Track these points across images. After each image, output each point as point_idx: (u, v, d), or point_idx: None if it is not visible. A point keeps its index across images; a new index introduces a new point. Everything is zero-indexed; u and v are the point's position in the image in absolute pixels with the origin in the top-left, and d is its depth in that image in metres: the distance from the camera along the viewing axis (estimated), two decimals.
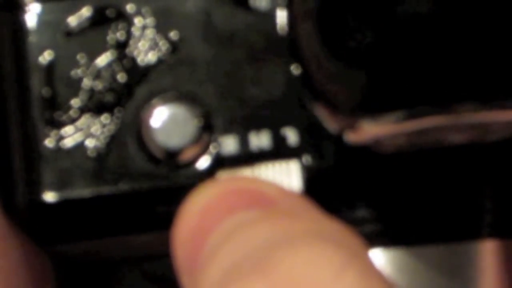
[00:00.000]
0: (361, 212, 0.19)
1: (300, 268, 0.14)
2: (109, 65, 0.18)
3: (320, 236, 0.14)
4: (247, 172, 0.17)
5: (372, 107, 0.16)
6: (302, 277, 0.13)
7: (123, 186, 0.17)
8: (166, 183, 0.17)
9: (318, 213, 0.15)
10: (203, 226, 0.15)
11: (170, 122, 0.17)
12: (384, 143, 0.17)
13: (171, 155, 0.17)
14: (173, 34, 0.18)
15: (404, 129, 0.16)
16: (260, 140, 0.17)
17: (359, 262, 0.14)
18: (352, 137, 0.17)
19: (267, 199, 0.15)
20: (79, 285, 0.27)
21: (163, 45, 0.18)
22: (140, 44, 0.18)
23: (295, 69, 0.18)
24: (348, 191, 0.18)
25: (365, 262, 0.14)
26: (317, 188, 0.18)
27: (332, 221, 0.15)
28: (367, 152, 0.18)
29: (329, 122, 0.17)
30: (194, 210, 0.15)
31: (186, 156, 0.17)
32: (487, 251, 0.22)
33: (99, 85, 0.18)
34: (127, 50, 0.18)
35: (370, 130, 0.16)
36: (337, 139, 0.18)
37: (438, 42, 0.15)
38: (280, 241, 0.14)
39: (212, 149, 0.17)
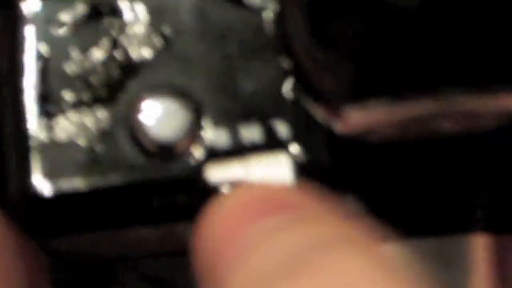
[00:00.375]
0: (352, 205, 0.19)
1: (337, 273, 0.14)
2: (103, 60, 0.18)
3: (350, 241, 0.15)
4: (238, 164, 0.17)
5: (360, 94, 0.16)
6: (340, 282, 0.14)
7: (116, 179, 0.18)
8: (159, 176, 0.18)
9: (341, 216, 0.16)
10: (230, 230, 0.15)
11: (162, 115, 0.17)
12: (375, 134, 0.17)
13: (164, 148, 0.17)
14: (166, 29, 0.18)
15: (391, 116, 0.16)
16: (251, 133, 0.18)
17: (386, 267, 0.14)
18: (341, 127, 0.17)
19: (291, 205, 0.16)
20: (75, 286, 0.27)
21: (157, 41, 0.18)
22: (133, 39, 0.18)
23: (284, 62, 0.18)
24: (338, 183, 0.18)
25: (391, 266, 0.15)
26: (307, 180, 0.18)
27: (356, 224, 0.15)
28: (358, 144, 0.18)
29: (319, 114, 0.18)
30: (220, 215, 0.16)
31: (179, 149, 0.17)
32: (479, 245, 0.22)
33: (92, 80, 0.18)
34: (121, 45, 0.18)
35: (358, 119, 0.16)
36: (328, 130, 0.18)
37: (427, 27, 0.15)
38: (314, 246, 0.14)
39: (203, 142, 0.18)
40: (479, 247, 0.22)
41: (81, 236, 0.19)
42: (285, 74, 0.18)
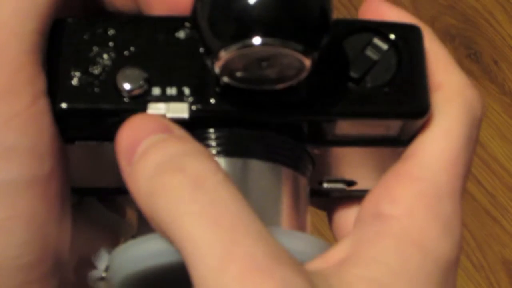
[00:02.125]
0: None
1: (196, 170, 0.26)
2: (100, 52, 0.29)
3: (200, 153, 0.26)
4: (161, 106, 0.28)
5: (225, 43, 0.26)
6: (198, 175, 0.25)
7: (105, 106, 0.29)
8: (125, 107, 0.29)
9: (193, 139, 0.27)
10: (136, 137, 0.27)
11: (128, 77, 0.29)
12: (235, 70, 0.27)
13: (129, 93, 0.28)
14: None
15: (242, 56, 0.26)
16: (171, 91, 0.28)
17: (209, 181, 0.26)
18: (217, 68, 0.26)
19: (169, 128, 0.27)
20: None
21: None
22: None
23: (196, 36, 0.27)
24: (223, 120, 0.29)
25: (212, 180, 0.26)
26: (201, 122, 0.29)
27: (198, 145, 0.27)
28: (239, 91, 0.28)
29: (210, 64, 0.26)
30: (131, 127, 0.27)
31: (137, 92, 0.28)
32: (285, 176, 0.30)
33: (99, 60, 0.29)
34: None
35: (223, 57, 0.26)
36: (217, 81, 0.28)
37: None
38: (183, 154, 0.26)
39: (147, 92, 0.29)
40: (284, 177, 0.30)
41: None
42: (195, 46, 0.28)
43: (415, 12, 1.25)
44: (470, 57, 1.25)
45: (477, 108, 0.30)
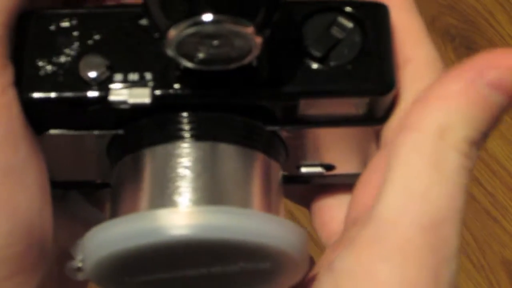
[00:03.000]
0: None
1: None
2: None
3: None
4: (124, 92, 0.29)
5: (173, 22, 0.26)
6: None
7: (69, 94, 0.29)
8: (87, 95, 0.29)
9: None
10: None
11: (90, 64, 0.29)
12: (186, 50, 0.27)
13: (93, 80, 0.29)
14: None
15: (187, 33, 0.26)
16: (134, 76, 0.29)
17: None
18: (169, 48, 0.26)
19: None
20: None
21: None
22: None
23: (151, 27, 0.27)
24: (188, 107, 0.29)
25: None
26: (166, 107, 0.29)
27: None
28: (199, 74, 0.28)
29: (165, 49, 0.26)
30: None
31: (100, 79, 0.29)
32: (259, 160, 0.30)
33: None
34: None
35: (173, 36, 0.26)
36: (178, 67, 0.28)
37: None
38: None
39: (109, 78, 0.29)
40: (253, 160, 0.30)
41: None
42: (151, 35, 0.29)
43: None
44: (470, 57, 1.25)
45: None
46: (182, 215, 0.26)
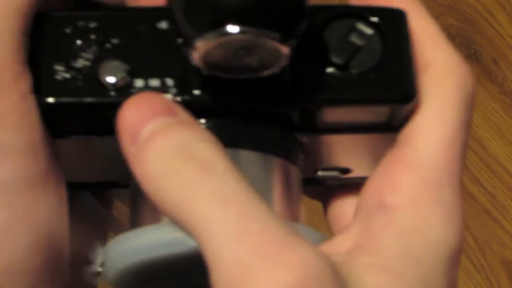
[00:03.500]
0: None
1: (206, 157, 0.25)
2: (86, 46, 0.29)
3: (208, 139, 0.26)
4: (148, 96, 0.28)
5: (201, 32, 0.26)
6: (208, 161, 0.25)
7: (88, 99, 0.28)
8: (108, 100, 0.29)
9: (197, 123, 0.27)
10: (141, 117, 0.26)
11: (110, 70, 0.28)
12: (213, 59, 0.27)
13: (113, 86, 0.28)
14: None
15: (219, 46, 0.26)
16: (155, 82, 0.28)
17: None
18: (195, 58, 0.26)
19: (175, 111, 0.27)
20: None
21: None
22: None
23: (176, 31, 0.27)
24: (209, 114, 0.29)
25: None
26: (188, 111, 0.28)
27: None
28: (222, 81, 0.28)
29: (189, 55, 0.26)
30: (136, 106, 0.26)
31: (120, 84, 0.28)
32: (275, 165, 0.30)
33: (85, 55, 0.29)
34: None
35: (200, 46, 0.26)
36: (199, 72, 0.28)
37: None
38: (191, 140, 0.26)
39: (129, 84, 0.28)
40: (274, 167, 0.30)
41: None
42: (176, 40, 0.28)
43: None
44: (470, 57, 1.25)
45: (468, 86, 0.30)
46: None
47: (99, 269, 0.28)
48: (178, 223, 0.25)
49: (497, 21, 1.29)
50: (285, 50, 0.26)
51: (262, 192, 0.28)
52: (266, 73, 0.27)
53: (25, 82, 0.27)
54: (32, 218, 0.27)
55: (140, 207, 0.30)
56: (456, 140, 0.29)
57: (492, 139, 1.20)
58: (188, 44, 0.26)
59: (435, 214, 0.28)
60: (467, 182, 1.16)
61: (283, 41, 0.26)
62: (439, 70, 0.29)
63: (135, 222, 0.30)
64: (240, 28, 0.25)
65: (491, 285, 1.11)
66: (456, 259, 0.28)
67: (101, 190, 0.36)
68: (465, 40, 1.27)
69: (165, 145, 0.26)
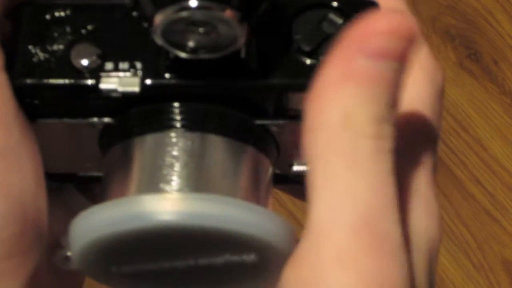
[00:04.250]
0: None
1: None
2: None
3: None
4: (114, 80, 0.29)
5: (158, 7, 0.26)
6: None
7: (59, 80, 0.29)
8: (77, 82, 0.29)
9: None
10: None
11: (81, 53, 0.29)
12: (172, 37, 0.27)
13: (85, 68, 0.29)
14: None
15: (173, 18, 0.26)
16: (124, 65, 0.29)
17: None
18: (156, 34, 0.27)
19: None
20: None
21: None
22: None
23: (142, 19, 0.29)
24: (178, 97, 0.29)
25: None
26: (156, 97, 0.29)
27: None
28: (188, 64, 0.28)
29: (153, 35, 0.27)
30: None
31: (91, 67, 0.29)
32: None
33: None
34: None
35: (159, 21, 0.26)
36: (168, 57, 0.28)
37: None
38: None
39: (100, 66, 0.29)
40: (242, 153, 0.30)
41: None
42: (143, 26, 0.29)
43: (415, 12, 1.25)
44: (470, 57, 1.25)
45: (438, 80, 0.30)
46: (165, 201, 0.27)
47: (69, 254, 0.28)
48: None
49: (497, 21, 1.29)
50: (243, 27, 0.27)
51: (228, 176, 0.29)
52: (225, 52, 0.28)
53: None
54: (3, 186, 0.28)
55: (107, 190, 0.30)
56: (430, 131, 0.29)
57: (492, 139, 1.20)
58: (150, 22, 0.27)
59: (416, 207, 0.28)
60: (467, 182, 1.16)
61: (241, 17, 0.26)
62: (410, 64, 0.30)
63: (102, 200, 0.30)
64: (198, 2, 0.26)
65: (491, 285, 1.11)
66: (436, 250, 0.28)
67: (85, 184, 0.36)
68: (465, 40, 1.27)
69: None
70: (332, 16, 0.30)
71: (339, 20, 0.30)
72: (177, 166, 0.28)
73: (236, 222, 0.26)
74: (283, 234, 0.27)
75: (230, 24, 0.27)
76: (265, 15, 0.27)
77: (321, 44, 0.29)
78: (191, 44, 0.27)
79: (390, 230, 0.25)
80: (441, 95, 0.30)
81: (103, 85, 0.29)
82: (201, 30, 0.27)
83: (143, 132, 0.29)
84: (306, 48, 0.29)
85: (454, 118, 1.20)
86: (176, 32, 0.27)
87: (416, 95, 0.29)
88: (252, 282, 0.29)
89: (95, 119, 0.30)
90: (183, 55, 0.28)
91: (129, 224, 0.26)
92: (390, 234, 0.25)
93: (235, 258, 0.27)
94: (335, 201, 0.25)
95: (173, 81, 0.29)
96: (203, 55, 0.28)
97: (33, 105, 0.30)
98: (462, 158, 1.17)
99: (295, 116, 0.30)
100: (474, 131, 1.20)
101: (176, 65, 0.29)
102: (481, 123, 1.21)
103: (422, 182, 0.28)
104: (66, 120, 0.30)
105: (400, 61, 0.25)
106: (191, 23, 0.27)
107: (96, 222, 0.27)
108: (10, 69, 0.29)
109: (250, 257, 0.27)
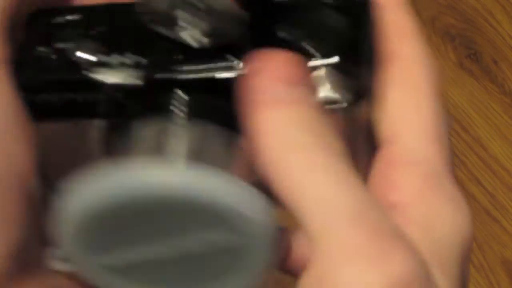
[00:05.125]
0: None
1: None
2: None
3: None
4: (117, 74, 0.30)
5: None
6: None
7: (62, 76, 0.30)
8: (81, 78, 0.30)
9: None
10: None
11: (86, 50, 0.30)
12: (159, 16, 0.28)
13: (88, 64, 0.30)
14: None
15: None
16: (128, 60, 0.29)
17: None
18: (143, 12, 0.28)
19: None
20: None
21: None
22: None
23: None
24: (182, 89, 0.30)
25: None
26: (159, 88, 0.30)
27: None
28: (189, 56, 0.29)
29: (143, 16, 0.28)
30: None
31: (92, 64, 0.30)
32: None
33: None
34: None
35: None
36: (171, 53, 0.29)
37: None
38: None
39: (104, 63, 0.30)
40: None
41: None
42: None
43: (415, 12, 1.25)
44: (470, 57, 1.25)
45: (438, 79, 0.30)
46: (146, 169, 0.27)
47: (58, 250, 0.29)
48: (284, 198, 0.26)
49: (497, 21, 1.29)
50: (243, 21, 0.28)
51: (221, 169, 0.29)
52: (213, 42, 0.29)
53: (1, 51, 0.29)
54: None
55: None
56: (441, 130, 0.29)
57: (492, 139, 1.20)
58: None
59: (445, 206, 0.28)
60: (467, 182, 1.16)
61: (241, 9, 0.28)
62: (409, 62, 0.30)
63: None
64: None
65: (491, 285, 1.11)
66: (468, 249, 0.28)
67: None
68: (465, 40, 1.27)
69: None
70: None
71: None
72: (170, 148, 0.29)
73: (199, 189, 0.27)
74: (256, 204, 0.27)
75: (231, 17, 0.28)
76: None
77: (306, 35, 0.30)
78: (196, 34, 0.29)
79: (378, 216, 0.26)
80: (440, 96, 0.30)
81: (106, 79, 0.29)
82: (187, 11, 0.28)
83: (141, 122, 0.30)
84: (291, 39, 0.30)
85: (454, 118, 1.20)
86: (163, 14, 0.28)
87: (422, 95, 0.29)
88: (241, 274, 0.29)
89: (98, 120, 0.31)
90: (175, 38, 0.29)
91: (107, 192, 0.26)
92: (380, 219, 0.26)
93: (212, 237, 0.27)
94: (322, 208, 0.26)
95: (176, 75, 0.30)
96: (194, 39, 0.29)
97: (37, 103, 0.30)
98: (462, 158, 1.17)
99: None
100: (474, 131, 1.20)
101: (180, 60, 0.30)
102: (481, 123, 1.21)
103: (446, 182, 0.28)
104: (69, 119, 0.31)
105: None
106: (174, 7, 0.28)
107: (75, 199, 0.27)
108: (15, 65, 0.29)
109: (227, 237, 0.27)
